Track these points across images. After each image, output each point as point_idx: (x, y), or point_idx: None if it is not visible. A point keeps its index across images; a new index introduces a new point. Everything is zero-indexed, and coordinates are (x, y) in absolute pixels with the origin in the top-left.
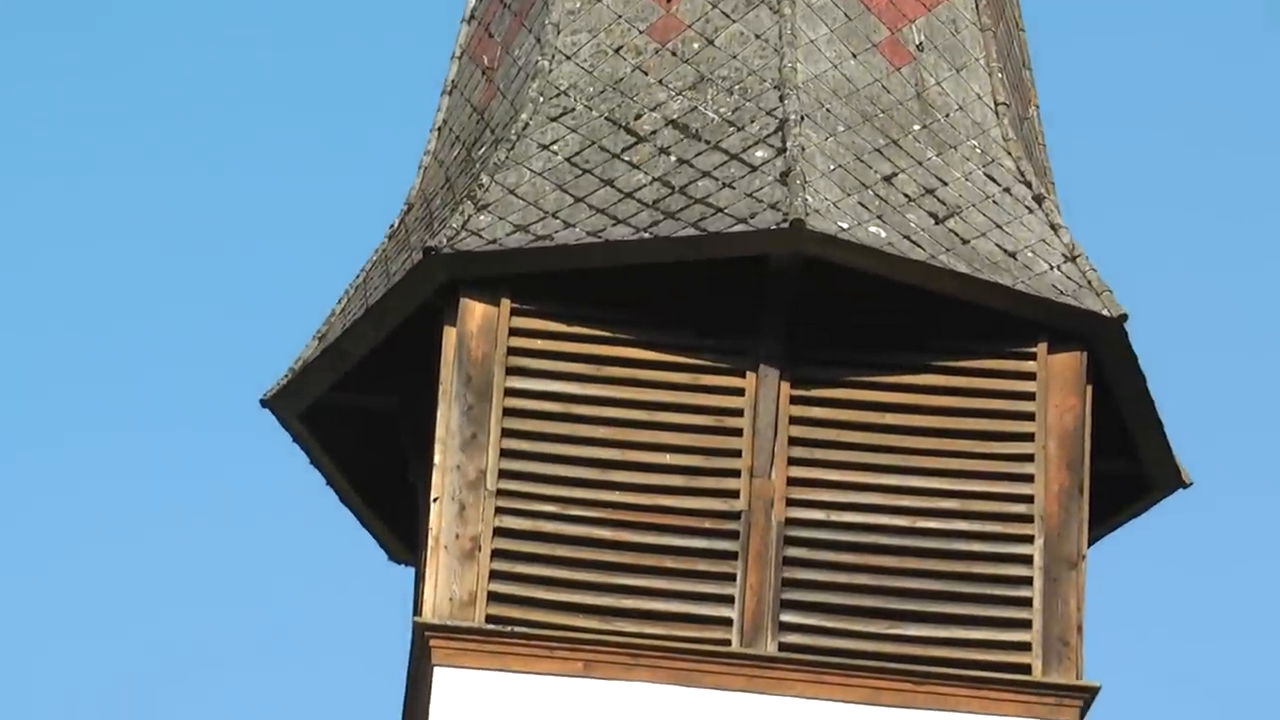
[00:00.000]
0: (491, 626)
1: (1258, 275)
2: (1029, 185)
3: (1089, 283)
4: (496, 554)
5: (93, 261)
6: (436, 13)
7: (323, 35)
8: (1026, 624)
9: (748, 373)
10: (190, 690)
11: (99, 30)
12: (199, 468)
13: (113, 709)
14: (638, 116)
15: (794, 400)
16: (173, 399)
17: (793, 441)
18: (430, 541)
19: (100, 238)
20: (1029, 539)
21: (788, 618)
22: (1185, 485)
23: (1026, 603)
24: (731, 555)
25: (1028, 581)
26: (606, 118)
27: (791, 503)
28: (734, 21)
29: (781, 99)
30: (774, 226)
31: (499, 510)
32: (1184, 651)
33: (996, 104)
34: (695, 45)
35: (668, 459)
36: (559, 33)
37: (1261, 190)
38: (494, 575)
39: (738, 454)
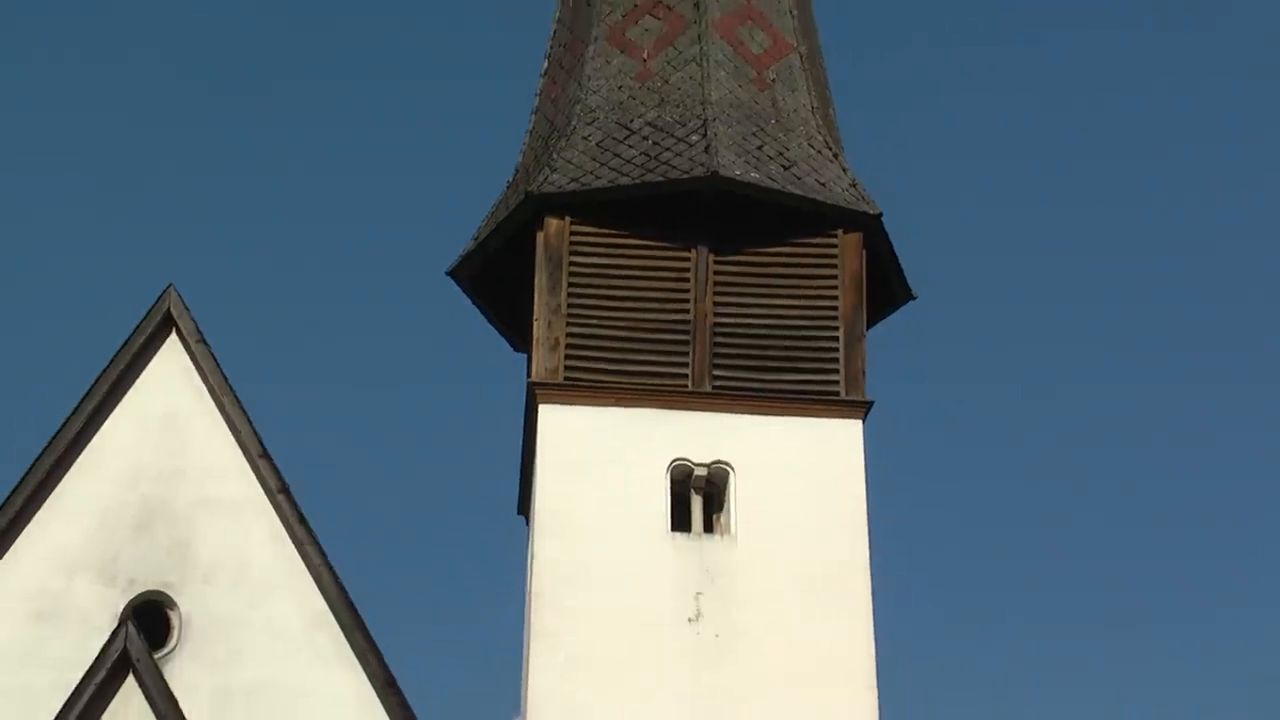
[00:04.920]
0: (568, 382)
1: (974, 184)
2: (832, 149)
3: (863, 197)
4: (569, 345)
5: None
6: (529, 69)
7: (467, 80)
8: (837, 370)
9: (691, 251)
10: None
11: None
12: (409, 321)
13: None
14: (631, 120)
15: (715, 264)
16: (383, 272)
17: (715, 286)
18: (534, 341)
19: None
20: (837, 328)
21: (717, 372)
22: (914, 298)
23: (836, 358)
24: (686, 342)
25: (837, 349)
26: (616, 121)
27: (716, 315)
28: (678, 70)
29: (704, 109)
30: (703, 175)
31: (568, 323)
32: (923, 389)
33: (814, 107)
34: (659, 83)
35: (652, 294)
36: (589, 79)
37: (1001, 126)
38: (568, 356)
39: (688, 291)
